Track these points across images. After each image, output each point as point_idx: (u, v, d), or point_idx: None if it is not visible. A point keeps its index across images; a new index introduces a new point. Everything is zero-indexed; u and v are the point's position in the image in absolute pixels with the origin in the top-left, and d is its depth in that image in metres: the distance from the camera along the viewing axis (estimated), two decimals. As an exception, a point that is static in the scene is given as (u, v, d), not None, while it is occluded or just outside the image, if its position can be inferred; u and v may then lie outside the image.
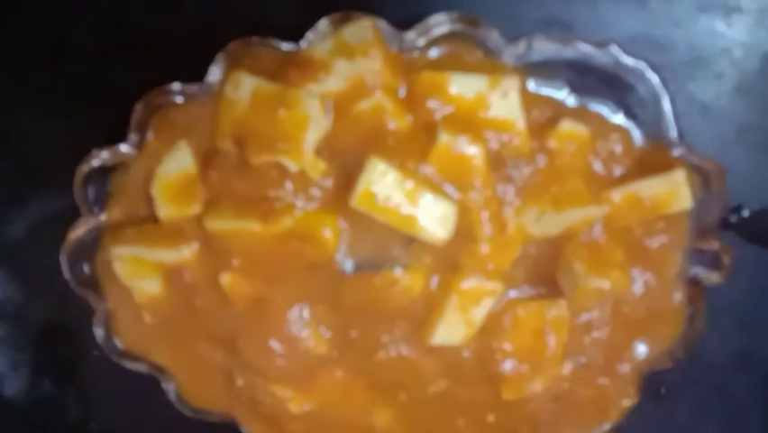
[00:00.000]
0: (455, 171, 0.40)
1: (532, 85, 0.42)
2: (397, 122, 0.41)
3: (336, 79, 0.40)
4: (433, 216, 0.40)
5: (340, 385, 0.45)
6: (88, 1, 0.46)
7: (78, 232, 0.44)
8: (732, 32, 0.45)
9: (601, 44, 0.42)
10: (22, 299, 0.49)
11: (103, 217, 0.45)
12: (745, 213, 0.47)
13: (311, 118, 0.39)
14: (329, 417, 0.46)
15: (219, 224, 0.41)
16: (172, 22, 0.46)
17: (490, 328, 0.43)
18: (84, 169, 0.43)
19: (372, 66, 0.40)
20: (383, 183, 0.39)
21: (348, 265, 0.43)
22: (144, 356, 0.46)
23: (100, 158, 0.43)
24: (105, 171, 0.44)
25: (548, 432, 0.46)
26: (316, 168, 0.41)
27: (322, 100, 0.40)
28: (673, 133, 0.42)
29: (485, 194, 0.41)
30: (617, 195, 0.42)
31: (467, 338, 0.43)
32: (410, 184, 0.39)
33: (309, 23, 0.42)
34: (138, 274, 0.44)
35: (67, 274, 0.45)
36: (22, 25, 0.47)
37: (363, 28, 0.40)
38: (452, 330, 0.42)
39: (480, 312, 0.42)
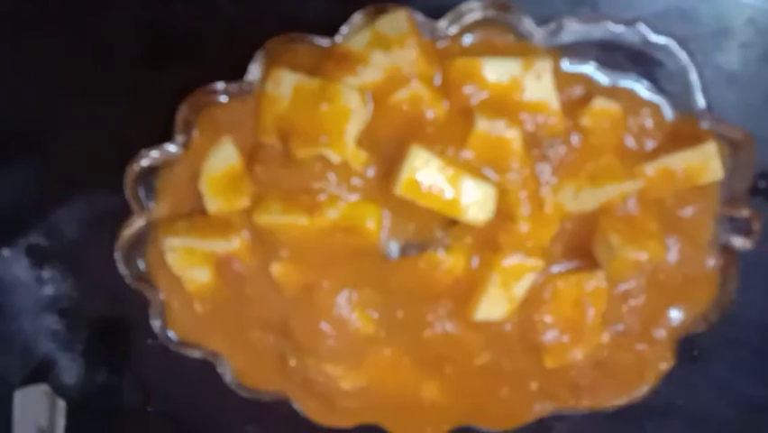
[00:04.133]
0: (493, 155, 0.42)
1: (564, 64, 0.43)
2: (435, 109, 0.42)
3: (373, 71, 0.41)
4: (474, 200, 0.41)
5: (388, 362, 0.47)
6: (126, 5, 0.47)
7: (131, 229, 0.46)
8: (758, 2, 0.45)
9: (629, 23, 0.42)
10: (76, 294, 0.51)
11: (152, 213, 0.46)
12: (774, 177, 0.48)
13: (352, 111, 0.41)
14: (379, 392, 0.48)
15: (267, 219, 0.43)
16: (209, 22, 0.47)
17: (531, 302, 0.45)
18: (134, 168, 0.44)
19: (408, 56, 0.41)
20: (426, 171, 0.40)
21: (392, 248, 0.45)
22: (198, 344, 0.48)
23: (149, 157, 0.44)
24: (151, 169, 0.46)
25: (589, 396, 0.48)
26: (358, 158, 0.42)
27: (361, 92, 0.41)
28: (702, 105, 0.43)
29: (523, 175, 0.42)
30: (651, 169, 0.43)
31: (509, 313, 0.45)
32: (451, 170, 0.41)
33: (342, 17, 0.43)
34: (189, 264, 0.46)
35: (122, 270, 0.47)
36: (65, 30, 0.48)
37: (399, 19, 0.41)
38: (494, 306, 0.44)
39: (521, 287, 0.44)
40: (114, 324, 0.52)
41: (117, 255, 0.46)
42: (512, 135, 0.41)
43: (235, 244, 0.44)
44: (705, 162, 0.42)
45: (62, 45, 0.48)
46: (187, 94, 0.44)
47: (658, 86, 0.44)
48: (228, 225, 0.44)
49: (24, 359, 0.52)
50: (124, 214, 0.46)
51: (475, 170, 0.42)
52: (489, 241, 0.43)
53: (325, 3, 0.45)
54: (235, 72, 0.44)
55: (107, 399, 0.53)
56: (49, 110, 0.49)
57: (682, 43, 0.43)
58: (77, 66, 0.48)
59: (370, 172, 0.43)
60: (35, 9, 0.48)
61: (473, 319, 0.45)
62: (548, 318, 0.45)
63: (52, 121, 0.49)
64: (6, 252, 0.51)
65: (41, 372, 0.52)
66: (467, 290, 0.44)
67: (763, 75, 0.46)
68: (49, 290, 0.52)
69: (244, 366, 0.48)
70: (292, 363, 0.47)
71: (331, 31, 0.43)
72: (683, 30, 0.45)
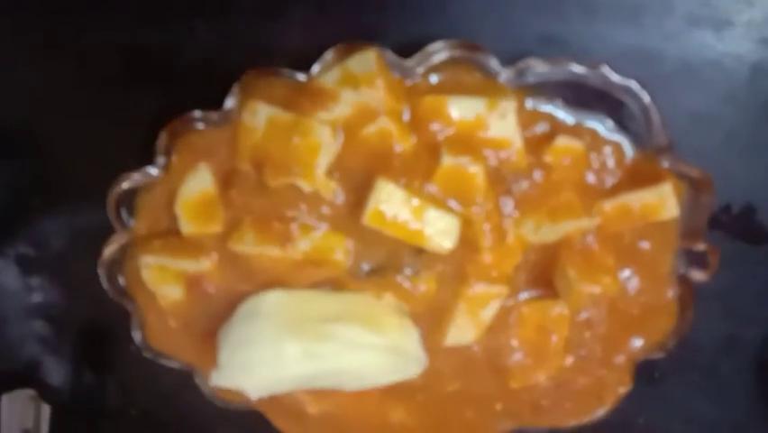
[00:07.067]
0: (458, 189, 0.43)
1: (529, 103, 0.44)
2: (403, 144, 0.43)
3: (344, 107, 0.43)
4: (438, 229, 0.43)
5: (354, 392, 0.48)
6: (104, 29, 0.49)
7: (113, 247, 0.48)
8: (721, 45, 0.47)
9: (593, 65, 0.43)
10: (63, 301, 0.53)
11: (132, 231, 0.48)
12: (734, 211, 0.49)
13: (323, 145, 0.42)
14: (345, 417, 0.49)
15: (242, 248, 0.45)
16: (185, 47, 0.49)
17: (498, 326, 0.46)
18: (117, 190, 0.46)
19: (377, 94, 0.42)
20: (391, 203, 0.42)
21: (364, 268, 0.46)
22: (174, 356, 0.50)
23: (131, 180, 0.46)
24: (132, 189, 0.48)
25: (549, 416, 0.49)
26: (328, 188, 0.44)
27: (332, 127, 0.43)
28: (662, 144, 0.45)
29: (486, 208, 0.43)
30: (609, 205, 0.44)
31: (477, 337, 0.46)
32: (416, 202, 0.42)
33: (314, 48, 0.44)
34: (162, 281, 0.47)
35: (105, 285, 0.48)
36: (45, 53, 0.50)
37: (367, 59, 0.42)
38: (462, 331, 0.46)
39: (487, 314, 0.46)
40: (99, 330, 0.54)
41: (100, 271, 0.48)
42: (476, 171, 0.43)
43: (205, 265, 0.46)
44: (661, 201, 0.44)
45: (41, 65, 0.50)
46: (163, 114, 0.45)
47: (622, 124, 0.45)
48: (200, 247, 0.46)
49: (12, 361, 0.55)
50: (106, 227, 0.48)
51: (440, 202, 0.43)
52: (456, 270, 0.45)
53: (298, 34, 0.47)
54: (210, 95, 0.46)
55: (91, 400, 0.55)
56: (31, 125, 0.51)
57: (645, 84, 0.44)
58: (58, 85, 0.50)
59: (340, 200, 0.44)
60: (18, 30, 0.50)
61: (443, 345, 0.46)
62: (514, 342, 0.47)
63: (36, 136, 0.51)
64: (-4, 261, 0.53)
65: (28, 374, 0.55)
66: (435, 318, 0.46)
67: (725, 114, 0.48)
68: (37, 298, 0.54)
69: (217, 381, 0.50)
70: (260, 381, 0.49)
71: (303, 59, 0.44)
72: (648, 69, 0.46)
